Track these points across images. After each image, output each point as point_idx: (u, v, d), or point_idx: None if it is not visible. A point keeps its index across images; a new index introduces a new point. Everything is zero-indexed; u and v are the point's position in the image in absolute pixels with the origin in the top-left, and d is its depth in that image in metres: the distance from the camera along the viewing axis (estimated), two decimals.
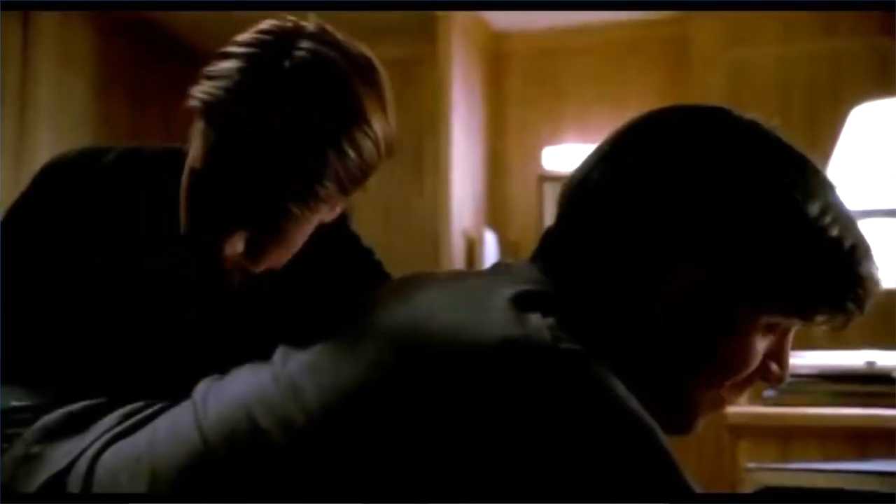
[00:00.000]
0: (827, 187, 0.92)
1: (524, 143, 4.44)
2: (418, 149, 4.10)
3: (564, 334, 0.80)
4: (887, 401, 1.97)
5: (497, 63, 4.50)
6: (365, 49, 1.07)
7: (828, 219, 0.90)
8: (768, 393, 2.10)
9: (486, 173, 4.44)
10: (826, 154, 2.20)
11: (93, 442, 0.90)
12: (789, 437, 1.97)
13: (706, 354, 0.89)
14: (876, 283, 0.92)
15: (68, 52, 3.85)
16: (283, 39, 1.02)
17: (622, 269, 0.89)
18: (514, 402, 0.78)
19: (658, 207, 0.89)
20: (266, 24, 1.05)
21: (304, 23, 1.06)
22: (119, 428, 0.91)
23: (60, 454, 0.89)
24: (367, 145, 1.01)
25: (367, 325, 0.86)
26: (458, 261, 4.11)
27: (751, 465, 1.50)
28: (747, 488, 1.47)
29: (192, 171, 1.03)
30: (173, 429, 0.88)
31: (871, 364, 2.01)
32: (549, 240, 0.95)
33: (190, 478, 0.83)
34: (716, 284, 0.88)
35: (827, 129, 2.49)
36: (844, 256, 0.90)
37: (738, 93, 3.79)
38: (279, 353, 0.92)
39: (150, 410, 0.94)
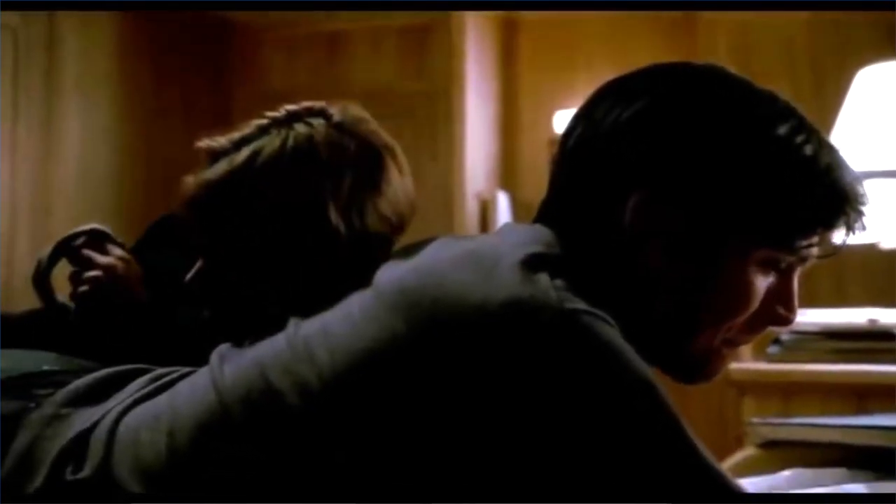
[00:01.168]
0: (797, 113, 0.90)
1: (536, 107, 4.41)
2: (432, 113, 4.09)
3: (572, 294, 0.79)
4: (888, 357, 1.96)
5: (509, 29, 4.46)
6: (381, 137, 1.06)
7: (799, 138, 0.88)
8: (772, 350, 2.10)
9: (499, 137, 4.42)
10: (832, 117, 2.18)
11: (119, 403, 0.90)
12: (791, 393, 1.96)
13: (705, 296, 0.88)
14: (860, 196, 0.90)
15: (91, 22, 3.83)
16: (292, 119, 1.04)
17: (607, 218, 0.88)
18: (520, 362, 0.77)
19: (628, 149, 0.88)
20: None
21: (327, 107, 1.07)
22: (144, 391, 0.92)
23: (87, 416, 0.90)
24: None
25: (378, 289, 0.86)
26: (471, 222, 4.11)
27: (754, 419, 1.50)
28: (750, 442, 1.47)
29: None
30: (192, 390, 0.88)
31: (873, 322, 2.01)
32: (547, 201, 0.94)
33: (207, 436, 0.83)
34: (697, 221, 0.87)
35: (833, 94, 2.47)
36: (822, 173, 0.88)
37: (745, 58, 3.75)
38: (293, 320, 0.91)
39: (175, 375, 0.94)
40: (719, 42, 3.91)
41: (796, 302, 0.92)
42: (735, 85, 0.91)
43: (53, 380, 0.96)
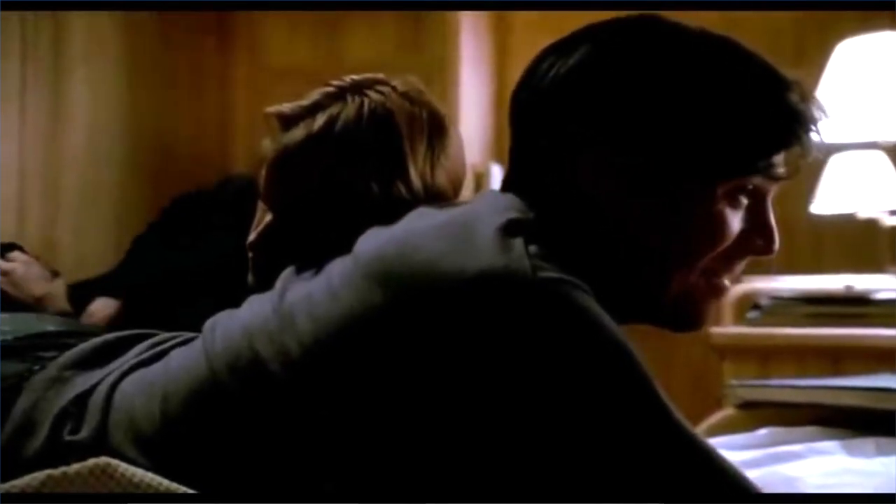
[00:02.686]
0: (731, 42, 0.88)
1: None
2: (428, 89, 4.07)
3: (546, 262, 0.77)
4: (862, 321, 1.97)
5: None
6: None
7: (738, 65, 0.86)
8: (751, 315, 2.11)
9: (493, 111, 4.41)
10: (812, 88, 2.16)
11: (118, 367, 0.90)
12: (770, 356, 1.97)
13: (675, 236, 0.85)
14: (808, 113, 0.87)
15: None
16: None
17: (565, 180, 0.86)
18: (495, 332, 0.76)
19: (570, 104, 0.86)
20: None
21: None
22: (143, 356, 0.91)
23: (88, 378, 0.89)
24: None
25: (357, 257, 0.84)
26: (466, 192, 4.09)
27: (733, 381, 1.50)
28: (729, 403, 1.48)
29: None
30: (185, 357, 0.87)
31: (849, 287, 2.01)
32: (508, 171, 0.93)
33: (198, 403, 0.83)
34: (652, 165, 0.84)
35: (814, 66, 2.45)
36: (766, 95, 0.85)
37: (728, 28, 3.72)
38: (281, 281, 0.90)
39: (173, 341, 0.93)
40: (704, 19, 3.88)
41: (774, 228, 0.89)
42: (669, 26, 0.89)
43: (58, 342, 0.96)
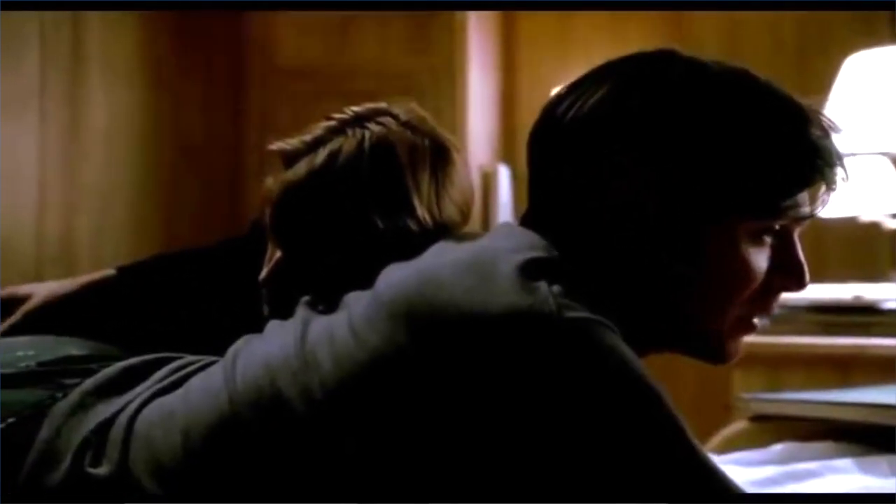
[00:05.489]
0: (751, 76, 0.84)
1: (534, 84, 4.36)
2: (436, 90, 4.05)
3: (571, 301, 0.74)
4: (872, 330, 1.94)
5: (509, 11, 4.41)
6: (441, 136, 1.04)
7: (757, 102, 0.82)
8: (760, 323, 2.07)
9: (500, 112, 4.38)
10: (816, 103, 2.14)
11: (138, 395, 0.87)
12: (779, 364, 1.94)
13: (701, 281, 0.82)
14: (831, 150, 0.83)
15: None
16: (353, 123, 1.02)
17: (589, 220, 0.83)
18: (521, 373, 0.73)
19: (592, 142, 0.83)
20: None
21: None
22: (162, 383, 0.88)
23: (108, 406, 0.86)
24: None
25: (378, 296, 0.81)
26: (475, 193, 4.07)
27: (745, 395, 1.48)
28: (741, 416, 1.45)
29: None
30: (205, 389, 0.84)
31: (858, 297, 1.98)
32: (529, 209, 0.89)
33: (219, 437, 0.80)
34: (675, 207, 0.81)
35: (816, 81, 2.42)
36: (787, 133, 0.81)
37: (733, 42, 3.69)
38: (300, 314, 0.87)
39: (192, 367, 0.90)
40: (707, 28, 3.85)
41: (804, 264, 0.85)
42: (686, 61, 0.85)
43: (81, 368, 0.93)
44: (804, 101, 0.86)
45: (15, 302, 1.20)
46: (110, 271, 1.24)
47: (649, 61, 0.86)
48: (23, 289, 1.22)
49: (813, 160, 0.82)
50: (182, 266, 1.24)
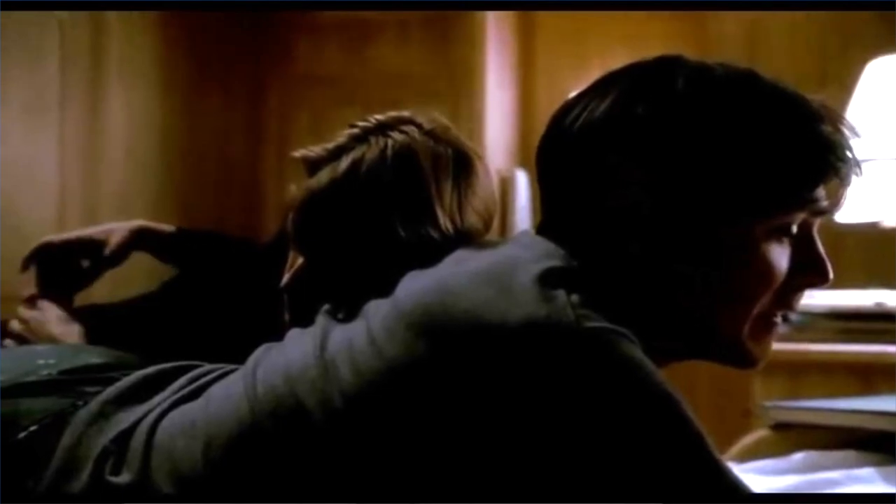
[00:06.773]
0: (757, 76, 0.83)
1: (552, 89, 4.36)
2: (455, 96, 4.05)
3: (589, 310, 0.74)
4: (892, 337, 1.92)
5: (526, 16, 4.40)
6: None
7: (766, 99, 0.81)
8: (781, 330, 2.06)
9: (517, 118, 4.38)
10: (838, 107, 2.12)
11: (158, 404, 0.86)
12: (799, 372, 1.93)
13: (721, 283, 0.81)
14: (843, 144, 0.82)
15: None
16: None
17: (605, 228, 0.82)
18: (540, 383, 0.72)
19: (604, 149, 0.82)
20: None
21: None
22: (182, 392, 0.87)
23: (129, 415, 0.86)
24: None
25: (398, 304, 0.80)
26: (497, 202, 4.07)
27: (766, 403, 1.47)
28: (762, 424, 1.44)
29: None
30: (225, 397, 0.84)
31: (880, 304, 1.97)
32: (544, 219, 0.88)
33: (239, 446, 0.79)
34: (691, 210, 0.80)
35: (838, 84, 2.41)
36: (797, 129, 0.81)
37: (752, 46, 3.67)
38: (320, 322, 0.86)
39: (211, 375, 0.89)
40: (728, 32, 3.83)
41: (826, 259, 0.84)
42: (692, 66, 0.85)
43: (101, 376, 0.93)
44: (816, 98, 0.85)
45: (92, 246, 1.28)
46: (171, 228, 1.32)
47: (655, 67, 0.86)
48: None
49: (824, 155, 0.82)
50: (218, 261, 1.29)
